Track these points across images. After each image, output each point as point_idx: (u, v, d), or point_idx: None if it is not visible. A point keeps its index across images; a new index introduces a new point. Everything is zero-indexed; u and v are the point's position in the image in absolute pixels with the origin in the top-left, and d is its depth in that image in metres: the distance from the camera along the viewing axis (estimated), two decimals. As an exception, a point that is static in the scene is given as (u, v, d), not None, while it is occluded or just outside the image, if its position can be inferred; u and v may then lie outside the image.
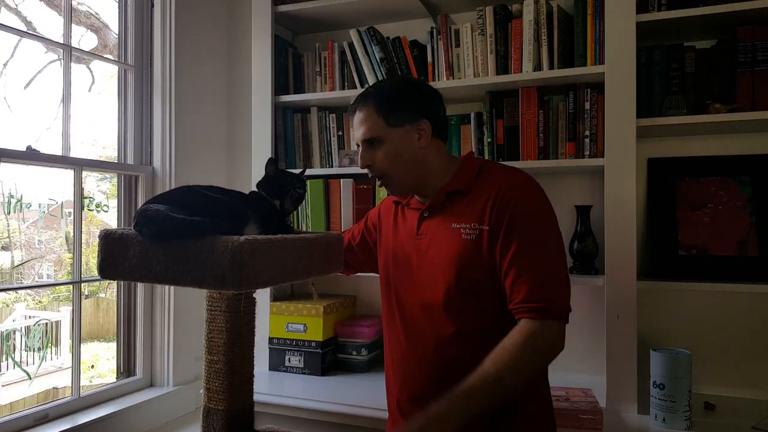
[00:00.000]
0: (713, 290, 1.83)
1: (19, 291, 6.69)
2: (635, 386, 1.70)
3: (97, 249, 1.27)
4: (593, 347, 2.00)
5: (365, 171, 1.42)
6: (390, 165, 1.37)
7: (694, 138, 1.92)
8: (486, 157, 1.95)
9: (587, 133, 1.83)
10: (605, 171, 1.75)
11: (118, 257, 1.21)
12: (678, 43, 1.82)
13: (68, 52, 1.99)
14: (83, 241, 1.99)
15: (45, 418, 1.78)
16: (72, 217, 2.01)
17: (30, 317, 6.11)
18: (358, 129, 1.40)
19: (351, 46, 2.12)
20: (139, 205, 2.14)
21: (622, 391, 1.71)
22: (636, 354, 1.71)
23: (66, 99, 1.97)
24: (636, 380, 1.70)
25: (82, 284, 1.98)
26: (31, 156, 1.80)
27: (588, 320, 2.02)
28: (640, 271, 1.75)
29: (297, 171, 1.44)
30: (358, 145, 1.42)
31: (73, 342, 1.93)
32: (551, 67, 1.86)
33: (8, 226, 1.69)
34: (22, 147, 1.77)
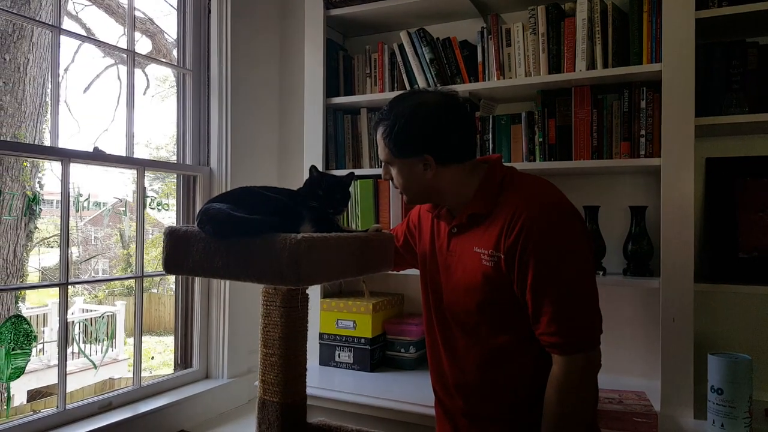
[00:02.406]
0: (776, 294, 1.77)
1: (77, 285, 7.00)
2: (691, 390, 1.66)
3: (162, 245, 1.34)
4: (647, 350, 1.96)
5: None
6: (401, 187, 1.41)
7: (757, 137, 1.86)
8: (537, 157, 1.94)
9: (643, 132, 1.79)
10: (662, 171, 1.71)
11: (182, 253, 1.28)
12: (740, 39, 1.76)
13: (131, 57, 2.08)
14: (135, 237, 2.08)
15: (109, 405, 1.87)
16: (129, 215, 2.11)
17: (87, 310, 6.40)
18: (378, 145, 1.43)
19: (401, 47, 2.14)
20: (198, 204, 2.23)
21: (678, 395, 1.67)
22: (693, 358, 1.67)
23: (129, 102, 2.06)
24: (692, 384, 1.66)
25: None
26: (98, 156, 1.90)
27: (642, 322, 1.98)
28: (697, 274, 1.70)
29: (344, 173, 1.48)
30: None
31: (135, 334, 2.02)
32: (605, 65, 1.84)
33: (66, 224, 1.79)
34: (81, 148, 1.87)
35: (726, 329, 1.89)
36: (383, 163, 1.44)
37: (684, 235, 1.69)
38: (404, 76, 2.15)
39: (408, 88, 2.13)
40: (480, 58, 2.03)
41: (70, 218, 1.80)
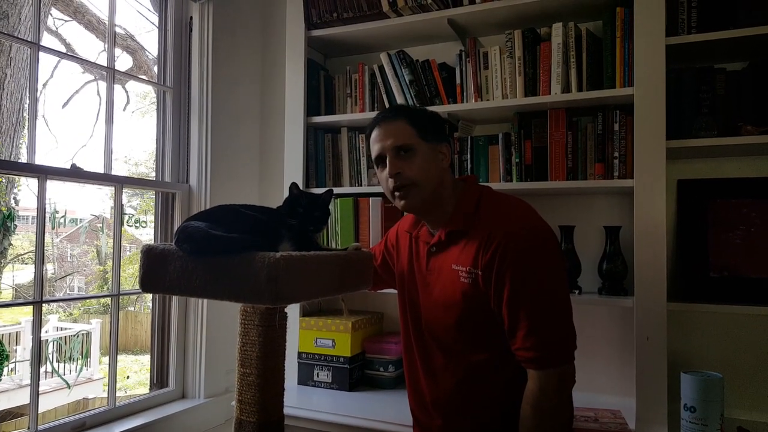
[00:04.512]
0: (745, 313, 1.81)
1: (52, 303, 6.85)
2: (665, 408, 1.69)
3: (138, 263, 1.33)
4: (622, 368, 1.98)
5: (390, 182, 1.39)
6: (421, 175, 1.36)
7: (726, 160, 1.92)
8: (514, 178, 1.97)
9: (616, 154, 1.84)
10: (635, 192, 1.75)
11: (159, 272, 1.27)
12: (708, 65, 1.82)
13: (111, 74, 2.07)
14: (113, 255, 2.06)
15: (82, 426, 1.84)
16: (106, 232, 2.09)
17: (61, 329, 6.27)
18: (385, 139, 1.38)
19: (381, 68, 2.18)
20: (176, 221, 2.22)
21: (652, 413, 1.69)
22: (666, 376, 1.69)
23: (108, 118, 2.05)
24: (666, 402, 1.69)
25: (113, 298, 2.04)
26: (75, 173, 1.88)
27: (617, 341, 2.01)
28: (670, 293, 1.74)
29: (323, 191, 1.48)
30: (374, 161, 1.44)
31: (110, 353, 1.99)
32: (580, 89, 1.88)
33: (41, 242, 1.77)
34: (59, 164, 1.85)
35: (698, 348, 1.92)
36: (392, 155, 1.37)
37: (657, 255, 1.72)
38: (384, 96, 2.18)
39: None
40: (458, 80, 2.06)
41: (46, 235, 1.78)
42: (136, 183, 2.17)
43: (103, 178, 2.01)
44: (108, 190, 2.05)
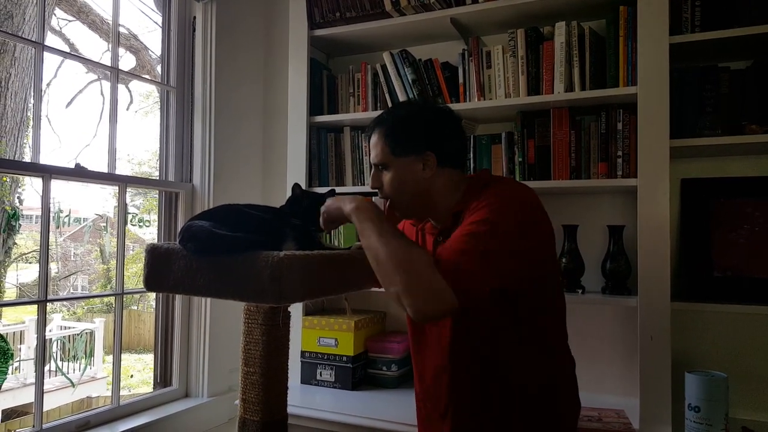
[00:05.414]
0: (749, 312, 1.80)
1: (56, 302, 6.87)
2: (669, 408, 1.68)
3: (142, 263, 1.33)
4: (626, 368, 1.98)
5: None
6: (394, 191, 1.39)
7: (730, 159, 1.91)
8: (517, 177, 1.97)
9: (620, 153, 1.83)
10: (638, 191, 1.75)
11: (164, 271, 1.27)
12: (712, 64, 1.82)
13: (115, 74, 2.08)
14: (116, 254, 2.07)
15: (87, 425, 1.85)
16: (110, 230, 2.09)
17: (65, 327, 6.29)
18: (371, 151, 1.44)
19: (384, 68, 2.17)
20: (180, 220, 2.22)
21: (657, 412, 1.69)
22: (670, 376, 1.69)
23: (112, 118, 2.05)
24: (670, 402, 1.68)
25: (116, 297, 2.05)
26: (79, 173, 1.89)
27: (621, 341, 2.01)
28: (673, 292, 1.74)
29: (325, 190, 1.47)
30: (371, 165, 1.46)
31: (114, 351, 2.00)
32: (583, 88, 1.88)
33: (45, 241, 1.77)
34: (63, 164, 1.86)
35: (702, 347, 1.92)
36: (374, 170, 1.43)
37: (660, 255, 1.72)
38: (387, 96, 2.18)
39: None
40: (461, 80, 2.06)
41: (50, 234, 1.78)
42: (140, 182, 2.17)
43: (107, 178, 2.01)
44: (111, 190, 2.05)
